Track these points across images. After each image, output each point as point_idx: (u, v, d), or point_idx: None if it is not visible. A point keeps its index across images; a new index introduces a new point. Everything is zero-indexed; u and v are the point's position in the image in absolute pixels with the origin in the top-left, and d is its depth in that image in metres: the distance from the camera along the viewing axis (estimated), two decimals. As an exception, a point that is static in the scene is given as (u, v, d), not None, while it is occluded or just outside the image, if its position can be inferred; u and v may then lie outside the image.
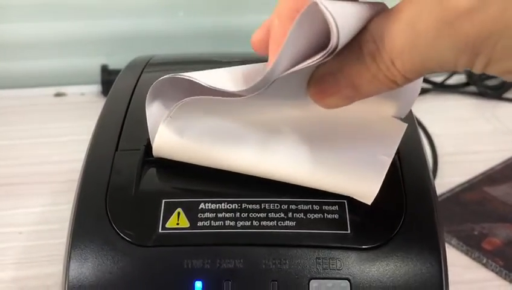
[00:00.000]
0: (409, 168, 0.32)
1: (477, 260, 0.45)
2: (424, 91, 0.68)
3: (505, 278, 0.44)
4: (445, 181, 0.53)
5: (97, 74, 0.66)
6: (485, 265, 0.45)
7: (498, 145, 0.59)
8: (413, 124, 0.35)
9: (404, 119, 0.32)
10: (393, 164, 0.31)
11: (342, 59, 0.26)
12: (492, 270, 0.44)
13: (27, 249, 0.45)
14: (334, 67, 0.26)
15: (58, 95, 0.67)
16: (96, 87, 0.66)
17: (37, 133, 0.60)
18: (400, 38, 0.24)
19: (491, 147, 0.59)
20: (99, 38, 0.68)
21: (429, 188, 0.31)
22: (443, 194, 0.52)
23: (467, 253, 0.46)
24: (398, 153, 0.32)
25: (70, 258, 0.29)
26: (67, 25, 0.68)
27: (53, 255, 0.44)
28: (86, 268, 0.28)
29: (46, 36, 0.68)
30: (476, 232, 0.48)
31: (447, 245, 0.47)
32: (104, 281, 0.28)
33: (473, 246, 0.46)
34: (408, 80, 0.25)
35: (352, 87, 0.26)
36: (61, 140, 0.59)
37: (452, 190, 0.52)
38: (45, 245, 0.46)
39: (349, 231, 0.29)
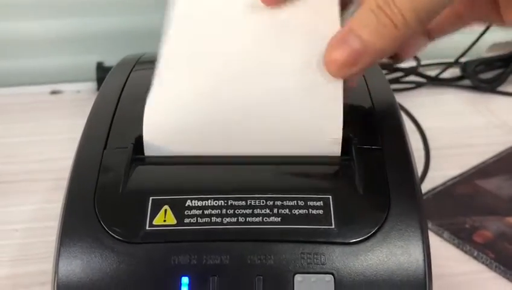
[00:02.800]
0: (393, 162, 0.32)
1: (469, 252, 0.46)
2: (418, 85, 0.69)
3: (495, 271, 0.44)
4: (437, 174, 0.53)
5: (93, 71, 0.66)
6: (476, 258, 0.45)
7: (491, 139, 0.59)
8: (398, 117, 0.35)
9: (388, 111, 0.33)
10: (376, 157, 0.31)
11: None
12: (483, 263, 0.45)
13: (22, 247, 0.46)
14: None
15: (54, 92, 0.67)
16: (92, 85, 0.67)
17: (33, 131, 0.60)
18: None
19: (484, 141, 0.59)
20: (94, 36, 0.69)
21: (414, 182, 0.31)
22: (435, 187, 0.52)
23: (458, 246, 0.46)
24: (382, 146, 0.33)
25: (59, 255, 0.29)
26: (62, 22, 0.68)
27: (48, 252, 0.44)
28: (74, 265, 0.29)
29: (41, 34, 0.68)
30: (467, 225, 0.48)
31: (438, 238, 0.47)
32: (93, 278, 0.28)
33: (464, 239, 0.46)
34: (408, 24, 0.28)
35: (359, 39, 0.29)
36: (58, 138, 0.59)
37: (444, 183, 0.53)
38: (40, 242, 0.46)
39: (333, 226, 0.29)
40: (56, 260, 0.29)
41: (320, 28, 0.32)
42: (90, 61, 0.67)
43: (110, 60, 0.66)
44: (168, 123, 0.32)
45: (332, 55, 0.31)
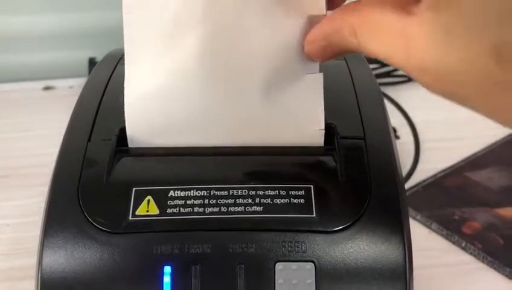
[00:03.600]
0: (375, 153, 0.32)
1: (457, 243, 0.46)
2: (409, 79, 0.69)
3: (483, 261, 0.44)
4: (427, 167, 0.54)
5: (85, 67, 0.67)
6: (464, 249, 0.45)
7: (481, 132, 0.59)
8: (381, 107, 0.36)
9: (371, 101, 0.34)
10: (358, 147, 0.32)
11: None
12: (471, 254, 0.45)
13: (14, 241, 0.46)
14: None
15: (46, 88, 0.67)
16: (84, 80, 0.67)
17: (25, 126, 0.60)
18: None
19: (474, 133, 0.59)
20: (86, 31, 0.69)
21: (394, 170, 0.31)
22: (425, 179, 0.52)
23: (446, 237, 0.46)
24: (364, 137, 0.33)
25: (43, 246, 0.29)
26: (54, 18, 0.68)
27: (39, 246, 0.45)
28: (58, 255, 0.29)
29: (33, 30, 0.68)
30: (456, 217, 0.48)
31: (427, 230, 0.47)
32: (77, 268, 0.29)
33: (453, 230, 0.47)
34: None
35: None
36: (50, 133, 0.59)
37: (434, 175, 0.53)
38: (32, 237, 0.45)
39: (314, 215, 0.29)
40: (40, 250, 0.29)
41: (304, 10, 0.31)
42: (82, 57, 0.67)
43: (102, 56, 0.66)
44: (148, 116, 0.32)
45: (311, 54, 0.31)
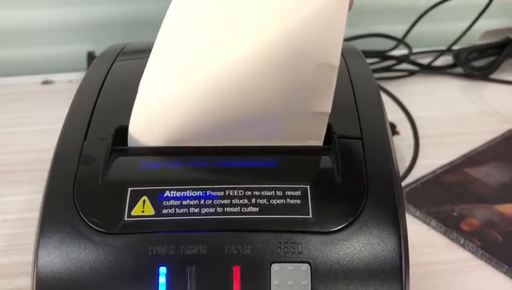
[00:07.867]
0: (372, 151, 0.32)
1: (455, 240, 0.46)
2: (410, 73, 0.69)
3: (481, 258, 0.44)
4: (426, 163, 0.53)
5: (84, 61, 0.66)
6: (462, 246, 0.45)
7: (482, 127, 0.59)
8: (379, 107, 0.35)
9: (369, 100, 0.33)
10: (355, 148, 0.31)
11: None
12: (470, 251, 0.45)
13: (12, 237, 0.46)
14: None
15: (45, 82, 0.67)
16: (84, 75, 0.67)
17: (24, 121, 0.60)
18: None
19: (475, 129, 0.59)
20: (85, 25, 0.69)
21: (392, 172, 0.31)
22: (424, 176, 0.52)
23: (445, 234, 0.46)
24: (361, 137, 0.33)
25: (38, 246, 0.29)
26: (53, 12, 0.68)
27: (36, 242, 0.45)
28: (54, 256, 0.29)
29: (32, 23, 0.68)
30: (455, 213, 0.48)
31: (426, 226, 0.47)
32: (72, 268, 0.29)
33: (452, 227, 0.46)
34: None
35: None
36: (49, 128, 0.58)
37: (433, 171, 0.53)
38: (29, 233, 0.45)
39: (310, 216, 0.29)
40: (35, 250, 0.29)
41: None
42: (81, 51, 0.67)
43: (101, 50, 0.66)
44: (155, 116, 0.32)
45: None
